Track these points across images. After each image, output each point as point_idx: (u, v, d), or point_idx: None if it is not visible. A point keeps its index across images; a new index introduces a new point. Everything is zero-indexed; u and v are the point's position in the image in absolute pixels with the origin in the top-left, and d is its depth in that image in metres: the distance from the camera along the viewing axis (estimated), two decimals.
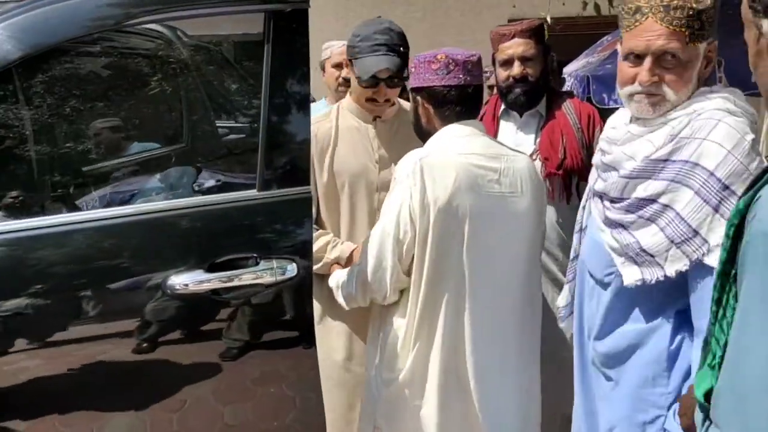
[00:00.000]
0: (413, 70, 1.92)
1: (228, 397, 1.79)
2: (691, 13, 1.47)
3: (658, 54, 1.50)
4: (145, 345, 1.70)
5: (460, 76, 1.85)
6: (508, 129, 2.53)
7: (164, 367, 1.74)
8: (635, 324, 1.59)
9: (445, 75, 1.83)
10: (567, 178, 2.39)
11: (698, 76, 1.53)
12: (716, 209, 1.41)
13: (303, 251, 1.75)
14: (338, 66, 3.38)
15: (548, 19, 3.73)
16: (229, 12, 1.81)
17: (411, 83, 1.95)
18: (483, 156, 1.83)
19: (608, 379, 1.67)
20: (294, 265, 1.73)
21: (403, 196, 1.79)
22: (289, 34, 1.77)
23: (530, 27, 2.43)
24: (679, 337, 1.54)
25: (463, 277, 1.80)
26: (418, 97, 1.90)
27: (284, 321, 1.81)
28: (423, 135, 1.95)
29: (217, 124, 2.16)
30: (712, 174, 1.41)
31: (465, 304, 1.82)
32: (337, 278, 2.01)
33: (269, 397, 1.81)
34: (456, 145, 1.83)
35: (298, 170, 1.78)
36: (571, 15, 4.17)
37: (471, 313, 1.82)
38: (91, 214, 1.74)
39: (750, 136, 1.44)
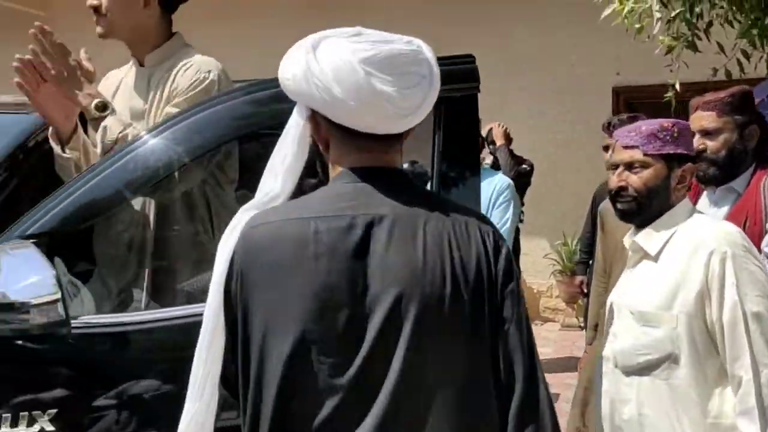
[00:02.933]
0: (676, 134, 1.77)
1: None
2: None
3: None
4: None
5: None
6: (704, 202, 2.41)
7: None
8: None
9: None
10: None
11: None
12: None
13: None
14: None
15: (677, 86, 3.63)
16: None
17: (671, 149, 1.76)
18: None
19: None
20: None
21: (759, 266, 1.66)
22: (460, 120, 1.77)
23: (714, 99, 2.28)
24: None
25: None
26: (688, 165, 1.79)
27: None
28: (659, 203, 1.77)
29: None
30: None
31: None
32: None
33: None
34: None
35: None
36: (701, 80, 4.04)
37: None
38: None
39: None
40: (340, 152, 1.18)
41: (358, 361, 1.06)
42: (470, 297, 1.12)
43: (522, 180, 4.61)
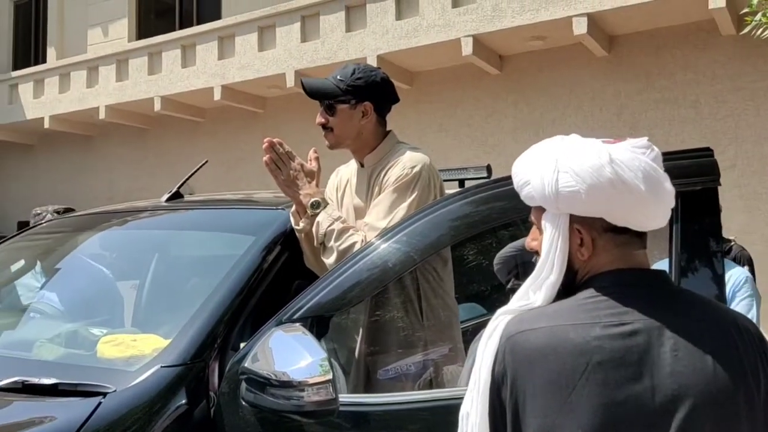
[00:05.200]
0: None
1: None
2: None
3: None
4: None
5: None
6: None
7: None
8: None
9: None
10: None
11: None
12: None
13: None
14: None
15: None
16: None
17: None
18: None
19: None
20: None
21: None
22: (700, 214, 1.75)
23: None
24: None
25: None
26: None
27: None
28: None
29: None
30: None
31: None
32: None
33: None
34: None
35: None
36: None
37: None
38: None
39: None
40: (607, 256, 1.18)
41: None
42: (762, 402, 1.11)
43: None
